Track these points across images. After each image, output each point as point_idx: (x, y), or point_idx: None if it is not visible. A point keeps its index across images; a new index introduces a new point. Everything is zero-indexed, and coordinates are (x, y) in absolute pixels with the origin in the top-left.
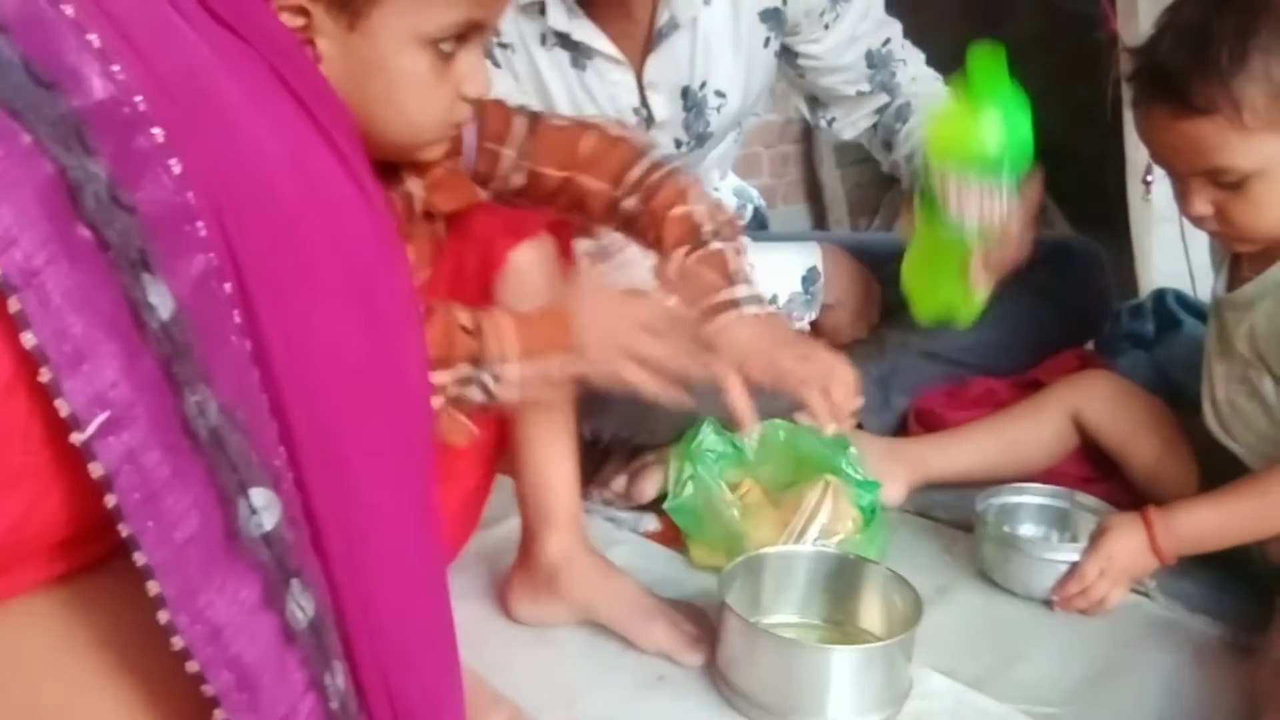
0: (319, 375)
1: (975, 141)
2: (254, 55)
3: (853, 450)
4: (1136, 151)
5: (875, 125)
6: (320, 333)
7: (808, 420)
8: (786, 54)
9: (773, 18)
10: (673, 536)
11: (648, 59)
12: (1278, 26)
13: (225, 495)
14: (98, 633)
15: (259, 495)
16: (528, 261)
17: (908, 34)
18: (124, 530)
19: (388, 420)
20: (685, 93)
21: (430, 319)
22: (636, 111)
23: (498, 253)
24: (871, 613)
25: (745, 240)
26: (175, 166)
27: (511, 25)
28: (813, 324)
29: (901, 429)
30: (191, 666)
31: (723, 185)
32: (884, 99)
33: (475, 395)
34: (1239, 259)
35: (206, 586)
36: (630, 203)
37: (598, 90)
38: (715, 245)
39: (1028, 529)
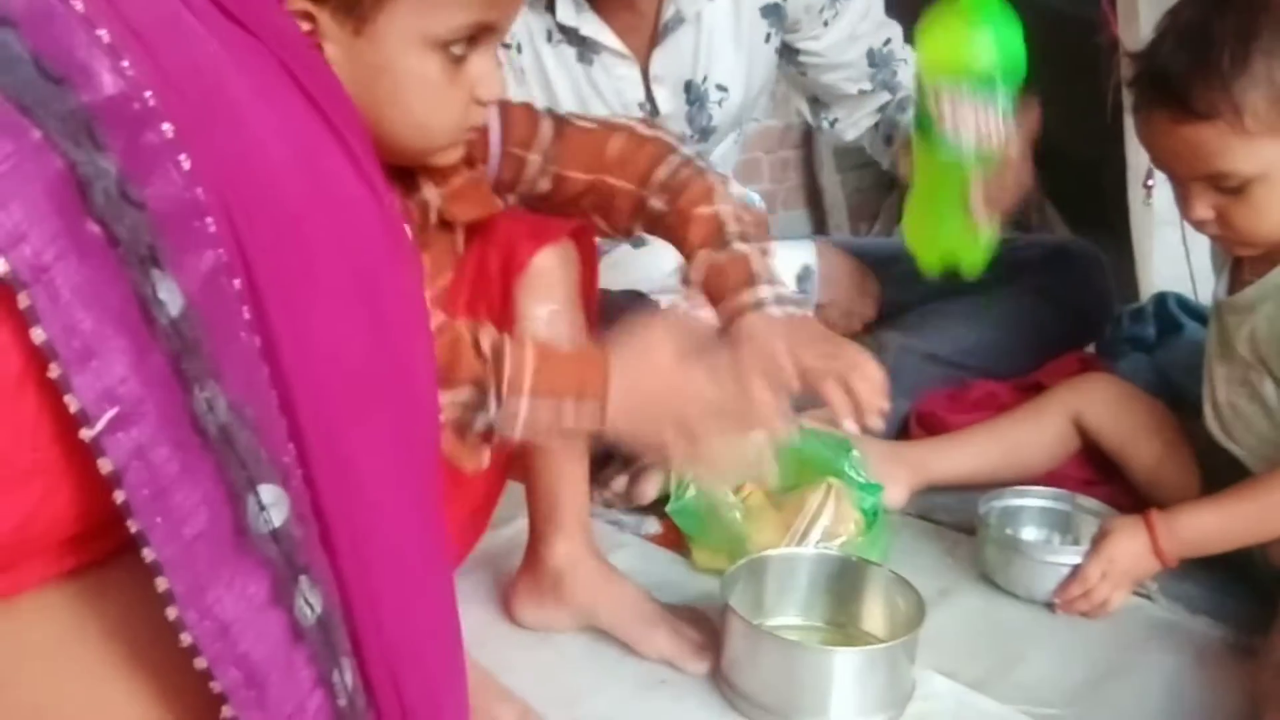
0: (326, 372)
1: (968, 55)
2: (264, 52)
3: (855, 453)
4: (1137, 155)
5: (877, 124)
6: (327, 329)
7: (819, 423)
8: (788, 52)
9: (773, 13)
10: (675, 539)
11: (653, 53)
12: (1278, 31)
13: (234, 491)
14: (107, 628)
15: (268, 491)
16: (550, 265)
17: (907, 38)
18: (133, 526)
19: (392, 419)
20: (688, 87)
21: (440, 334)
22: (641, 106)
23: (520, 257)
24: (874, 615)
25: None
26: (185, 162)
27: (518, 22)
28: None
29: (903, 432)
30: (200, 663)
31: None
32: (885, 97)
33: (477, 423)
34: (1240, 262)
35: (215, 583)
36: (657, 202)
37: (604, 85)
38: (740, 245)
39: (1029, 532)
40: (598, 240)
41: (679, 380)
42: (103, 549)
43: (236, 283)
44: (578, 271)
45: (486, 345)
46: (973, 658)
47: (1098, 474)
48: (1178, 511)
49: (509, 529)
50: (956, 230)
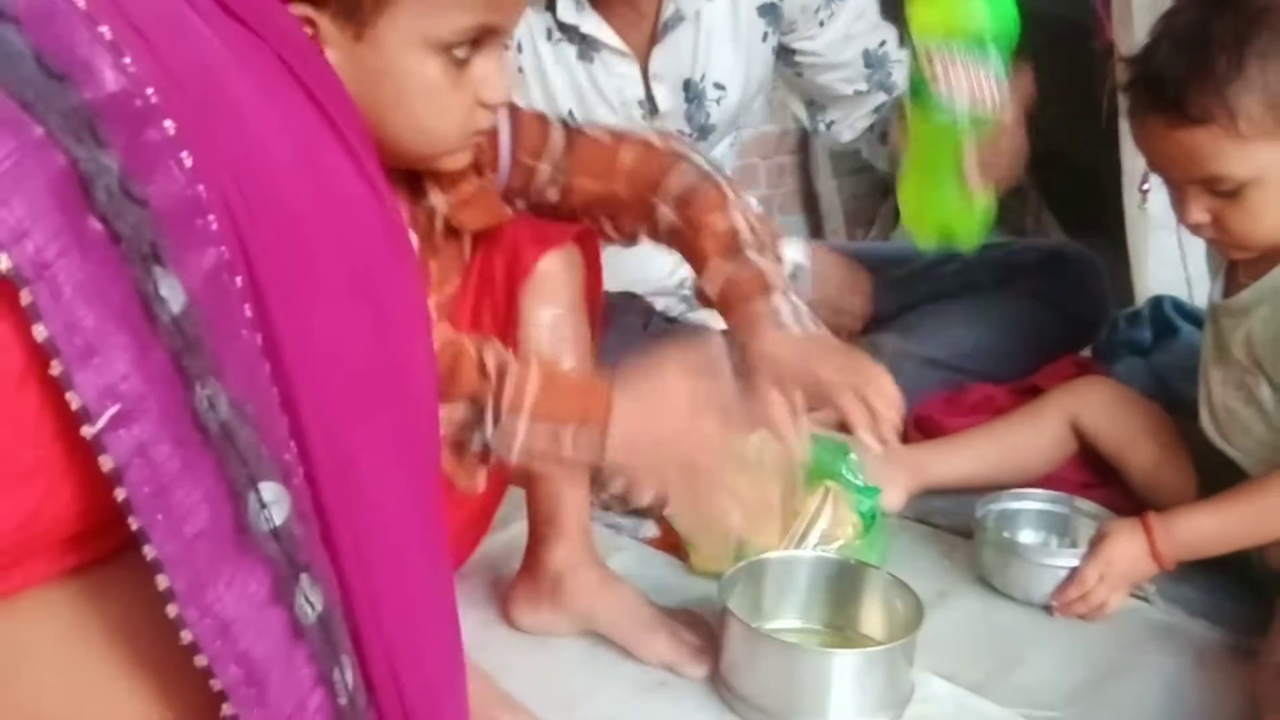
0: (327, 370)
1: (960, 16)
2: (266, 49)
3: (853, 456)
4: (1133, 160)
5: (872, 125)
6: (328, 327)
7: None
8: (784, 53)
9: (770, 13)
10: (673, 543)
11: (653, 51)
12: (1273, 35)
13: (235, 489)
14: (108, 626)
15: (269, 489)
16: (554, 270)
17: (902, 43)
18: (134, 523)
19: (393, 417)
20: (687, 85)
21: (444, 346)
22: (641, 104)
23: (525, 261)
24: (873, 617)
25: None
26: (186, 159)
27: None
28: None
29: (900, 435)
30: (200, 661)
31: None
32: (882, 98)
33: (474, 442)
34: (1235, 266)
35: (215, 580)
36: (668, 212)
37: (604, 82)
38: (753, 257)
39: (1027, 534)
40: None
41: (690, 424)
42: (104, 547)
43: (238, 280)
44: (582, 276)
45: (491, 363)
46: (971, 660)
47: (1095, 477)
48: (1175, 514)
49: (508, 532)
50: (952, 199)
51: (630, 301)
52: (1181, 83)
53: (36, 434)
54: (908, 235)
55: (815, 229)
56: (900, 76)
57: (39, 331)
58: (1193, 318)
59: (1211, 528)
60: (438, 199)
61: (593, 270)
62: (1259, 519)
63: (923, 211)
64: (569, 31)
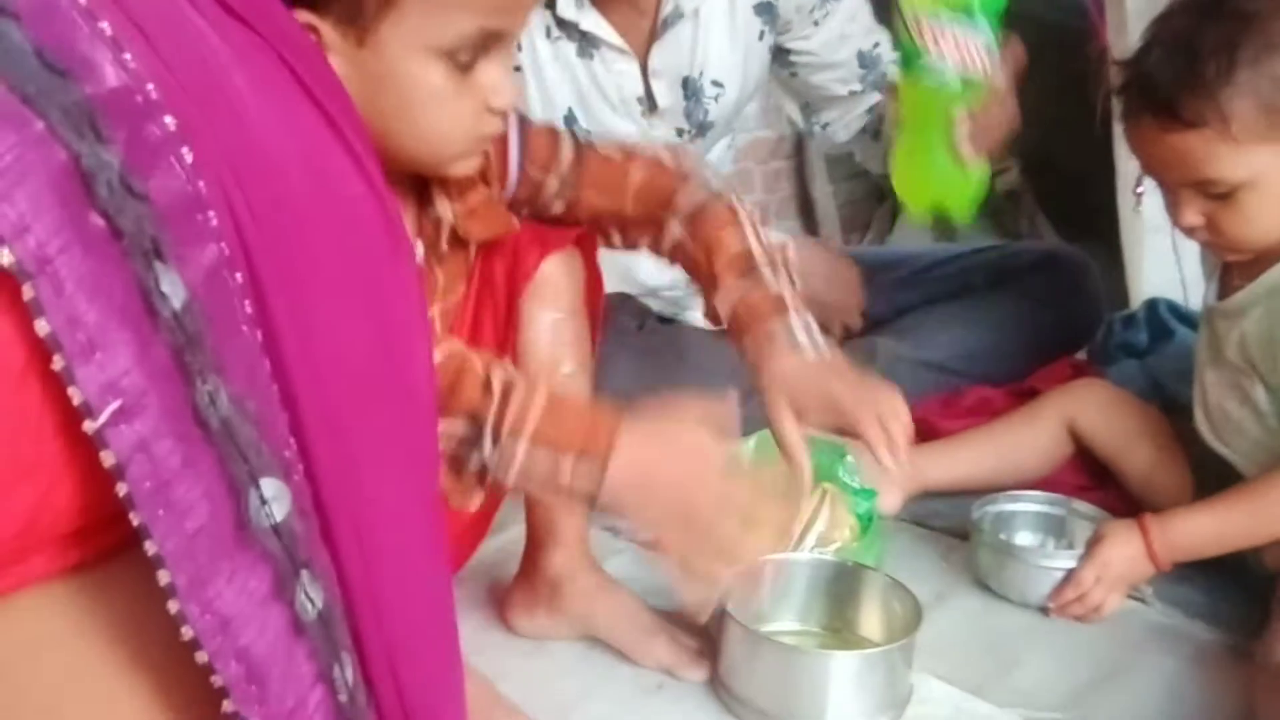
0: (327, 367)
1: None
2: (266, 48)
3: (849, 459)
4: (1127, 163)
5: (866, 126)
6: (328, 325)
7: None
8: (780, 54)
9: (766, 12)
10: None
11: (653, 48)
12: (1264, 39)
13: (236, 485)
14: (109, 623)
15: (269, 485)
16: (555, 273)
17: (895, 46)
18: (135, 519)
19: (393, 416)
20: (685, 83)
21: (448, 359)
22: (640, 100)
23: (527, 264)
24: (871, 619)
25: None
26: (187, 155)
27: None
28: None
29: None
30: (200, 657)
31: None
32: (875, 97)
33: (472, 461)
34: (1230, 268)
35: (216, 577)
36: (678, 230)
37: (604, 79)
38: (767, 276)
39: (1024, 536)
40: None
41: (693, 475)
42: (104, 544)
43: (238, 276)
44: (583, 279)
45: (497, 381)
46: (968, 662)
47: (1091, 479)
48: (1171, 515)
49: (505, 536)
50: (944, 170)
51: (625, 302)
52: (1174, 87)
53: (37, 430)
54: (903, 241)
55: (810, 234)
56: (893, 77)
57: (41, 327)
58: (1188, 320)
59: (1208, 529)
60: (445, 208)
61: (593, 274)
62: (1255, 520)
63: (915, 184)
64: (568, 28)
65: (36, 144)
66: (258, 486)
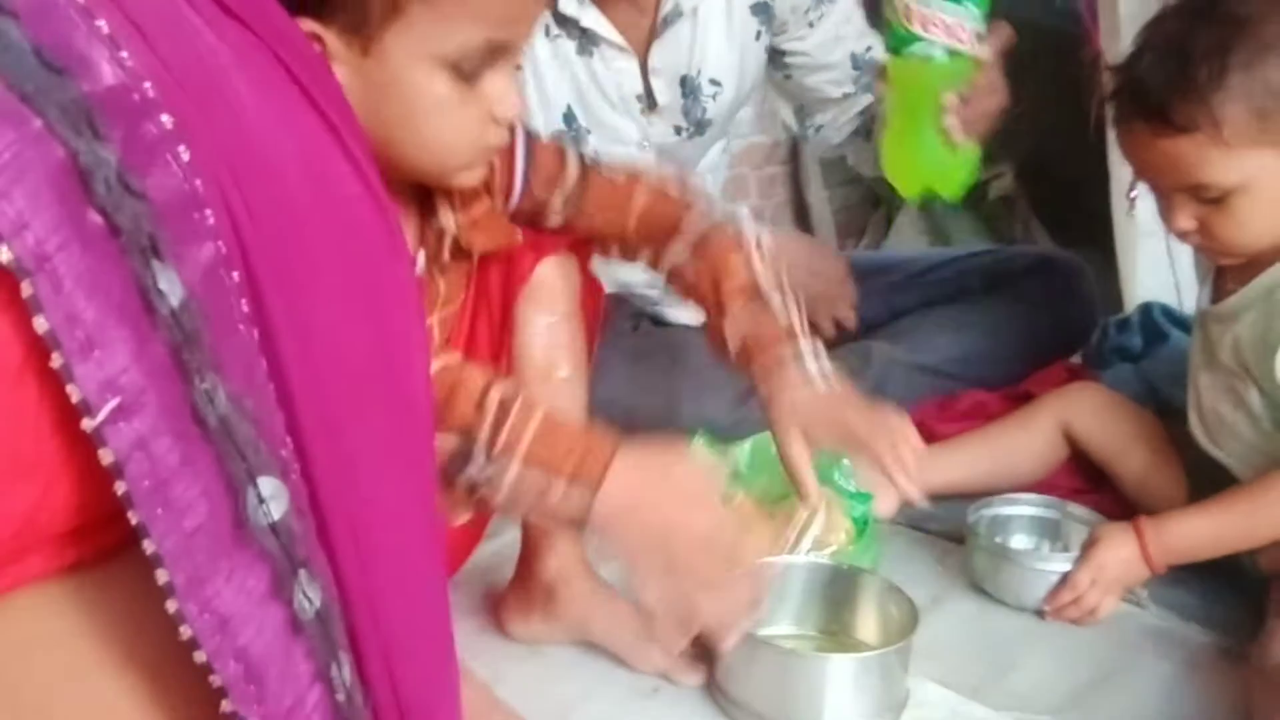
0: (324, 367)
1: None
2: (263, 48)
3: (845, 462)
4: (1121, 168)
5: (858, 129)
6: (325, 324)
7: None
8: (775, 56)
9: (762, 12)
10: None
11: (653, 46)
12: (1255, 43)
13: (234, 484)
14: (107, 622)
15: (267, 484)
16: (551, 276)
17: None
18: (133, 518)
19: (390, 416)
20: (683, 81)
21: (444, 372)
22: (639, 98)
23: (522, 268)
24: (868, 623)
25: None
26: (184, 153)
27: None
28: None
29: None
30: (199, 656)
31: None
32: (868, 99)
33: (462, 477)
34: (1223, 272)
35: (214, 575)
36: (681, 255)
37: (603, 77)
38: (775, 304)
39: (1019, 540)
40: None
41: (683, 515)
42: (102, 543)
43: (235, 275)
44: (578, 282)
45: (494, 398)
46: (964, 665)
47: (1086, 482)
48: (1166, 518)
49: (500, 541)
50: (934, 151)
51: (620, 305)
52: (1166, 91)
53: (35, 428)
54: (898, 246)
55: None
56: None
57: (40, 324)
58: (1182, 324)
59: (1202, 531)
60: (448, 219)
61: (589, 277)
62: (1250, 522)
63: (905, 165)
64: (568, 26)
65: (35, 141)
66: (255, 485)
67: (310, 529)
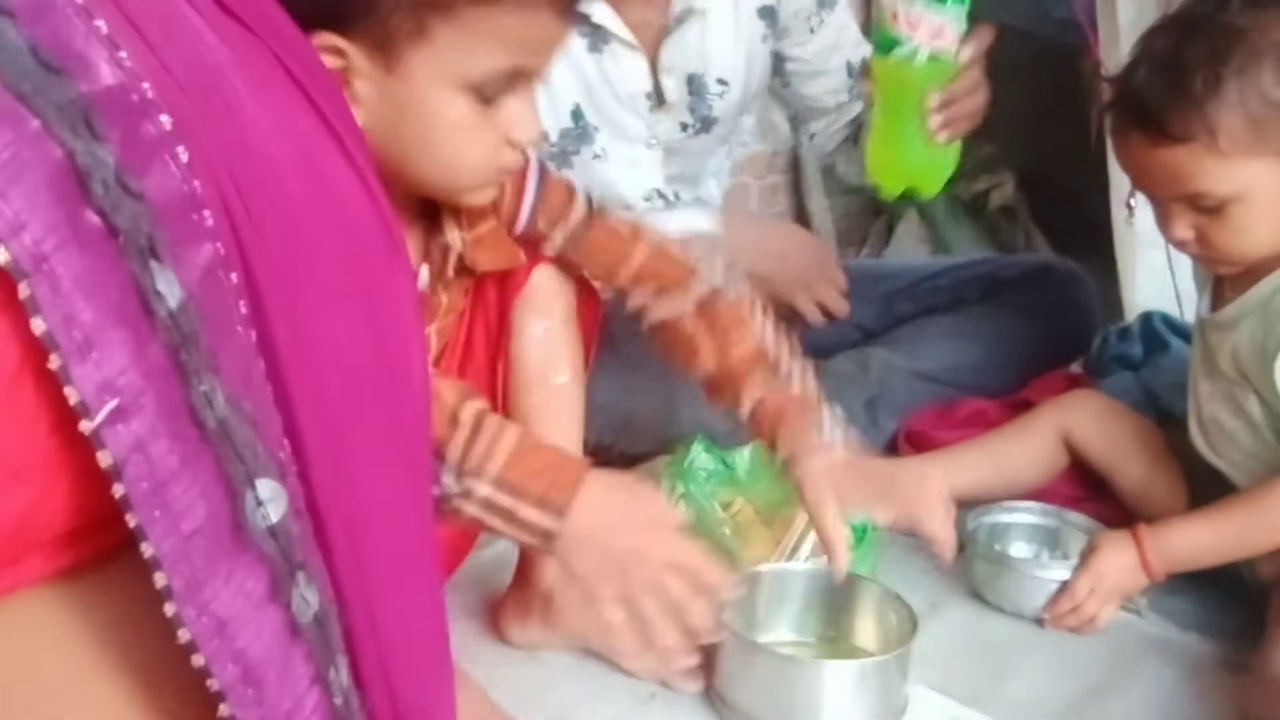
0: (323, 368)
1: None
2: (263, 48)
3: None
4: (1120, 177)
5: (849, 135)
6: (323, 327)
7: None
8: (775, 62)
9: (768, 15)
10: None
11: (664, 43)
12: (1250, 53)
13: (232, 486)
14: (104, 626)
15: (265, 487)
16: (547, 282)
17: None
18: (131, 520)
19: (387, 417)
20: (690, 80)
21: None
22: (648, 96)
23: (518, 274)
24: (866, 629)
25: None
26: (183, 154)
27: None
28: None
29: (891, 449)
30: (197, 660)
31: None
32: (859, 107)
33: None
34: (1222, 280)
35: (213, 578)
36: (676, 309)
37: (612, 74)
38: (789, 371)
39: (1018, 547)
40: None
41: (645, 538)
42: (99, 546)
43: (234, 277)
44: (575, 288)
45: (468, 416)
46: (963, 673)
47: (1086, 490)
48: (1165, 526)
49: (498, 546)
50: (916, 150)
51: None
52: (1162, 101)
53: (32, 430)
54: (899, 254)
55: None
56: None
57: (37, 325)
58: (1183, 332)
59: (1202, 539)
60: (454, 236)
61: (586, 284)
62: (1249, 530)
63: (887, 163)
64: (579, 21)
65: (32, 142)
66: (254, 487)
67: (308, 531)
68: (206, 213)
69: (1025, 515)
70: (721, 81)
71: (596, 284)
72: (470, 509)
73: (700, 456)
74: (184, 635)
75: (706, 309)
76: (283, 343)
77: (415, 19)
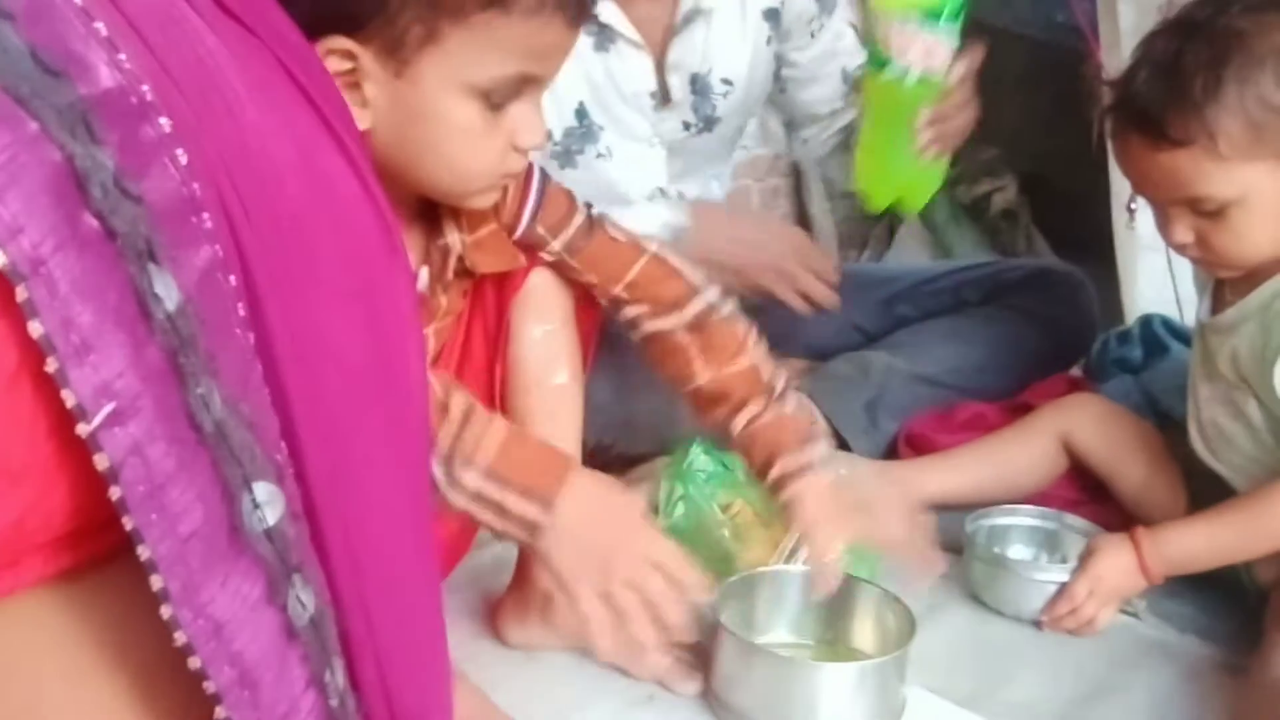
0: (321, 371)
1: None
2: (263, 49)
3: (843, 471)
4: (1120, 181)
5: (840, 141)
6: (322, 328)
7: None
8: (775, 64)
9: (773, 18)
10: None
11: (671, 43)
12: (1249, 56)
13: (229, 489)
14: (100, 629)
15: (262, 489)
16: (545, 285)
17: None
18: (128, 523)
19: (385, 419)
20: (694, 79)
21: None
22: (653, 95)
23: (516, 277)
24: (864, 632)
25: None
26: (182, 157)
27: None
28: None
29: (891, 452)
30: (194, 663)
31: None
32: (852, 114)
33: None
34: (1222, 284)
35: (209, 581)
36: (668, 324)
37: (618, 73)
38: (790, 399)
39: (1017, 550)
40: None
41: (625, 534)
42: (96, 549)
43: (232, 279)
44: (572, 290)
45: (457, 406)
46: (961, 675)
47: (1085, 493)
48: (1163, 529)
49: (497, 547)
50: (904, 165)
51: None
52: (1162, 105)
53: (29, 433)
54: (901, 258)
55: None
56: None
57: (35, 328)
58: (1183, 336)
59: (1199, 542)
60: (454, 238)
61: (585, 287)
62: (1247, 533)
63: (876, 176)
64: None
65: (31, 145)
66: (251, 490)
67: (304, 534)
68: (205, 215)
69: (1024, 518)
70: (726, 81)
71: (593, 292)
72: (458, 499)
73: (699, 458)
74: (181, 637)
75: (701, 325)
76: (281, 345)
77: (426, 23)
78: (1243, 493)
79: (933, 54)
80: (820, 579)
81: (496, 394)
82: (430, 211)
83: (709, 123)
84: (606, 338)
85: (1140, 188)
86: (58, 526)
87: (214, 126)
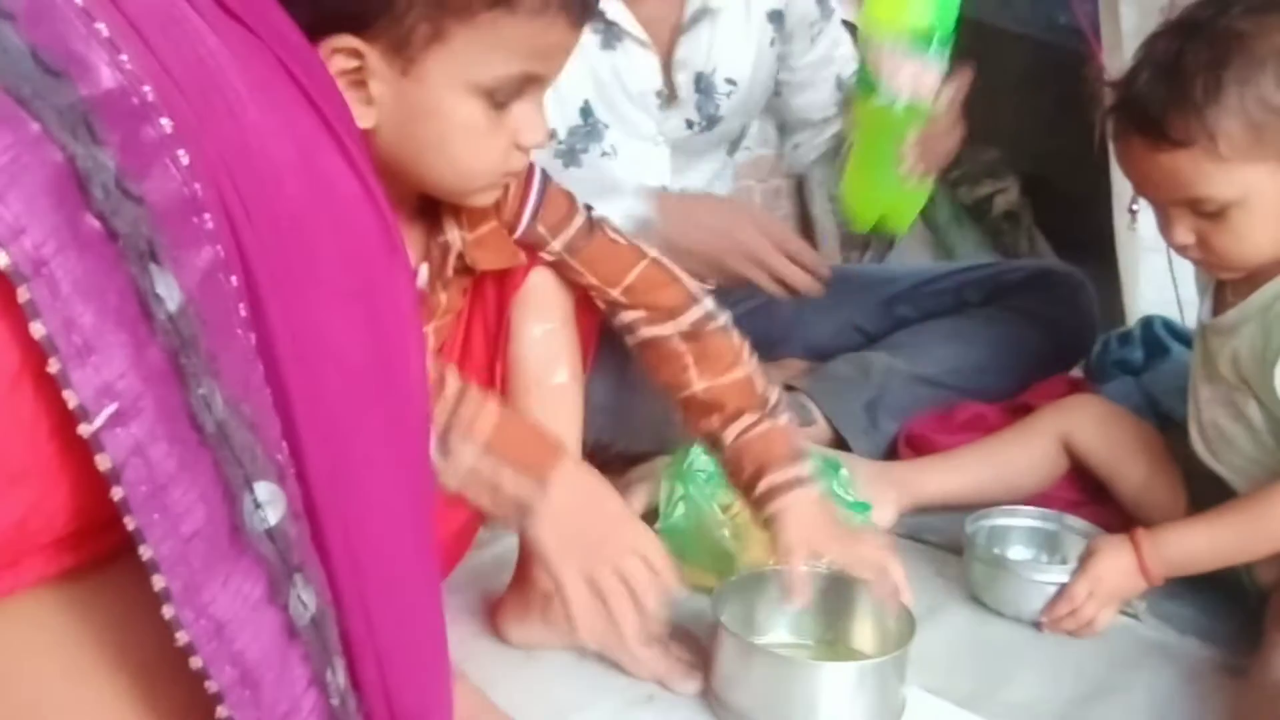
0: (322, 371)
1: (908, 15)
2: (264, 49)
3: (844, 472)
4: (1122, 182)
5: (829, 149)
6: (323, 328)
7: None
8: (776, 66)
9: (776, 19)
10: None
11: (678, 42)
12: (1250, 58)
13: (230, 489)
14: (102, 629)
15: (264, 489)
16: (545, 284)
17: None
18: (130, 523)
19: (385, 419)
20: (699, 78)
21: None
22: (659, 93)
23: (515, 275)
24: (864, 632)
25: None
26: (183, 157)
27: None
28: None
29: (891, 453)
30: (195, 662)
31: None
32: (844, 122)
33: None
34: (1223, 285)
35: (211, 581)
36: (664, 331)
37: (625, 71)
38: (782, 414)
39: (1017, 551)
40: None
41: (612, 522)
42: (98, 549)
43: (233, 280)
44: (573, 290)
45: (452, 386)
46: (961, 676)
47: (1086, 494)
48: (1163, 530)
49: (497, 546)
50: (889, 187)
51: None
52: (1162, 107)
53: (32, 433)
54: (902, 259)
55: None
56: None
57: (37, 329)
58: (1184, 338)
59: (1199, 544)
60: (454, 235)
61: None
62: (1247, 535)
63: (862, 195)
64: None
65: (32, 145)
66: (252, 490)
67: (306, 533)
68: (206, 216)
69: (1024, 519)
70: (729, 81)
71: (592, 295)
72: (451, 478)
73: (700, 458)
74: (182, 637)
75: (697, 333)
76: (282, 345)
77: (433, 22)
78: (1243, 494)
79: (921, 80)
80: (796, 587)
81: (496, 392)
82: (431, 209)
83: (711, 122)
84: (606, 337)
85: (1141, 189)
86: (59, 527)
87: (215, 127)
